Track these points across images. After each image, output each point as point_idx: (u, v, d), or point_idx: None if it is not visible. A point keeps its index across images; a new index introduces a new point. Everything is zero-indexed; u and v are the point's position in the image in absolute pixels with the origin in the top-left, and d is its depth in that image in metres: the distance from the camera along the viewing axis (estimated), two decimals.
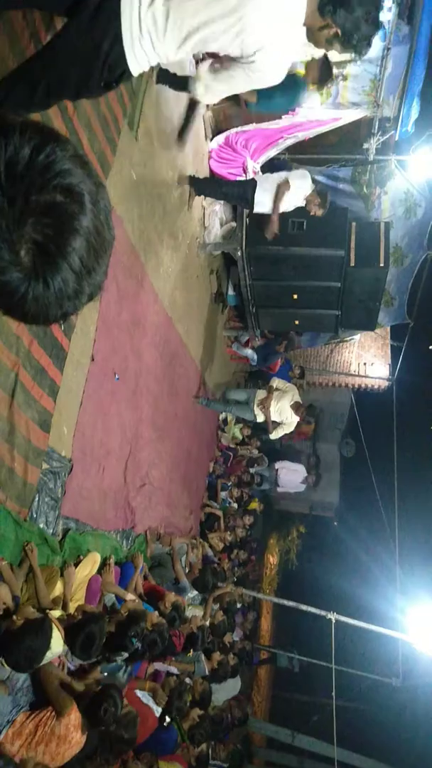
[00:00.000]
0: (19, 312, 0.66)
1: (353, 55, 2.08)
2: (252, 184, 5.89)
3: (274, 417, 6.84)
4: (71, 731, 2.76)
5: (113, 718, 3.05)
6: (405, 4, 5.69)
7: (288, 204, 5.88)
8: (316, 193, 5.88)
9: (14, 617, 2.67)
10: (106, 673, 3.63)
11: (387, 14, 5.40)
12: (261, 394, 6.99)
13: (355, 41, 1.96)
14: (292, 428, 6.99)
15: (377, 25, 1.98)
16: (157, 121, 4.69)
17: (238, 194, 6.07)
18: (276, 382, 7.01)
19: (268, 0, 1.85)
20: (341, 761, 8.43)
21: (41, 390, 3.17)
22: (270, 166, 6.52)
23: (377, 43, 5.58)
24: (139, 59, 1.84)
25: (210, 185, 6.09)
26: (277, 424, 6.94)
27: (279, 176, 5.89)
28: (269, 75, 2.03)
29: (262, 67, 1.98)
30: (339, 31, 1.93)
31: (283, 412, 6.77)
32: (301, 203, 5.94)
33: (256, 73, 2.01)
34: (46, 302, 0.65)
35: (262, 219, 6.19)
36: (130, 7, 1.75)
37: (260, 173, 6.10)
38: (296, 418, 6.76)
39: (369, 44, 2.02)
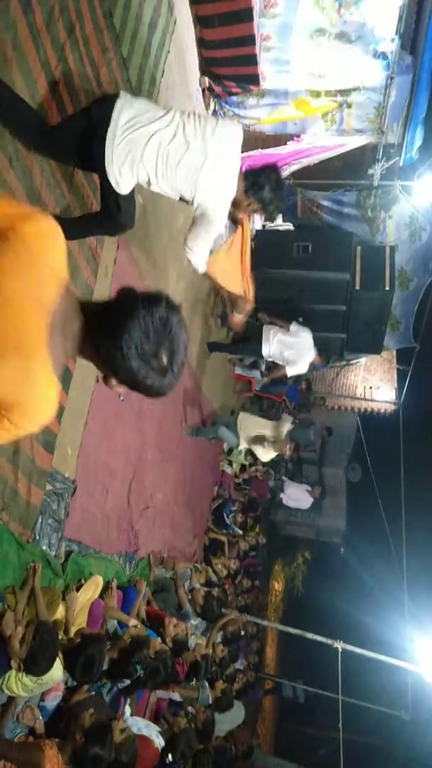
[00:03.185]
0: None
1: (268, 215, 3.04)
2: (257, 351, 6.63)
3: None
4: None
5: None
6: (408, 36, 5.83)
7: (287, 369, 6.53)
8: (318, 353, 6.46)
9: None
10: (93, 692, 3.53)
11: (390, 45, 5.52)
12: (247, 418, 7.04)
13: (270, 210, 2.83)
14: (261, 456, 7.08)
15: (282, 198, 2.78)
16: None
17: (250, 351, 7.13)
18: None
19: (215, 178, 2.54)
20: None
21: None
22: None
23: (381, 72, 5.70)
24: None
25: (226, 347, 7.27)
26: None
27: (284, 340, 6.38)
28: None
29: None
30: (259, 206, 2.76)
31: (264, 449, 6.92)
32: (303, 371, 6.59)
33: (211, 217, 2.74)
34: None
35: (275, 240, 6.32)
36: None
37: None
38: (271, 453, 6.88)
39: (279, 211, 2.58)
